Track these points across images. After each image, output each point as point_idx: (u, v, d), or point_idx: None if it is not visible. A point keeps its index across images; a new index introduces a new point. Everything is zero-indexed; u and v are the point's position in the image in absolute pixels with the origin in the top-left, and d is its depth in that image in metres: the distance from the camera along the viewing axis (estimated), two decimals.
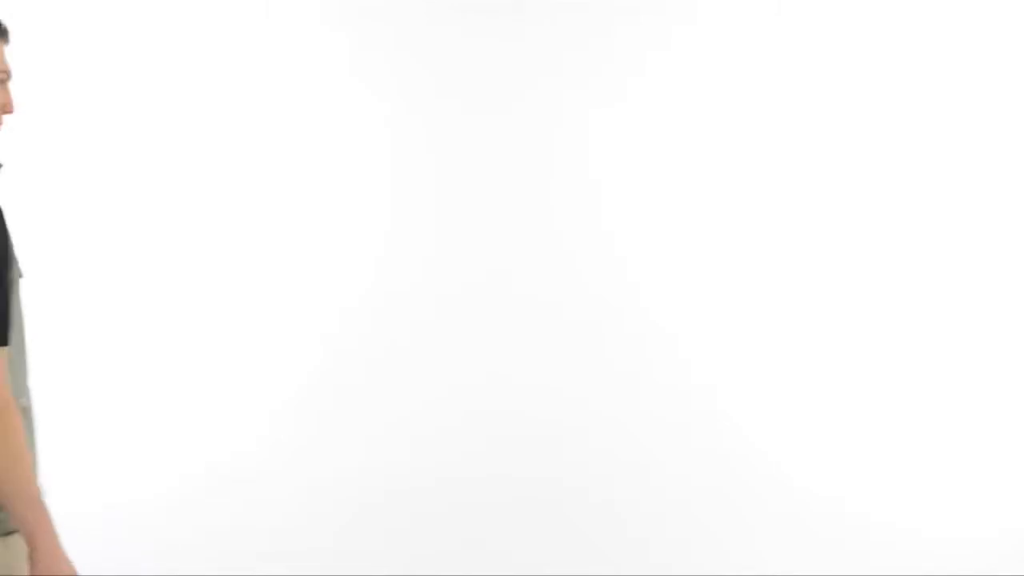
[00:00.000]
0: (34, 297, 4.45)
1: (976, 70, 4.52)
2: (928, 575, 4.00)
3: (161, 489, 4.34)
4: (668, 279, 4.46)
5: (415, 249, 4.55)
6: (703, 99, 4.61)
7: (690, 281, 4.47)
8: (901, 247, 4.52)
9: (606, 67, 4.45)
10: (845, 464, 4.44)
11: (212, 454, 4.44)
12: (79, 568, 3.91)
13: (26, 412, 2.14)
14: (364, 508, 4.26)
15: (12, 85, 2.19)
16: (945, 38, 4.52)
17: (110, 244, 4.52)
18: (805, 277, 4.56)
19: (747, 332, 4.57)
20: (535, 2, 4.54)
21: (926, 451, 4.43)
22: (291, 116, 4.60)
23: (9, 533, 2.10)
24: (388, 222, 4.55)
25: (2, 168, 2.24)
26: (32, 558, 2.05)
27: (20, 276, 2.15)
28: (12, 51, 2.19)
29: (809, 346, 4.55)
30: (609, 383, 4.75)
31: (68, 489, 4.31)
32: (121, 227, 4.53)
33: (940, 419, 4.47)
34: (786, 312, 4.58)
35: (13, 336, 2.09)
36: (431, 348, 4.44)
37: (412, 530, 4.16)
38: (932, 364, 4.51)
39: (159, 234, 4.56)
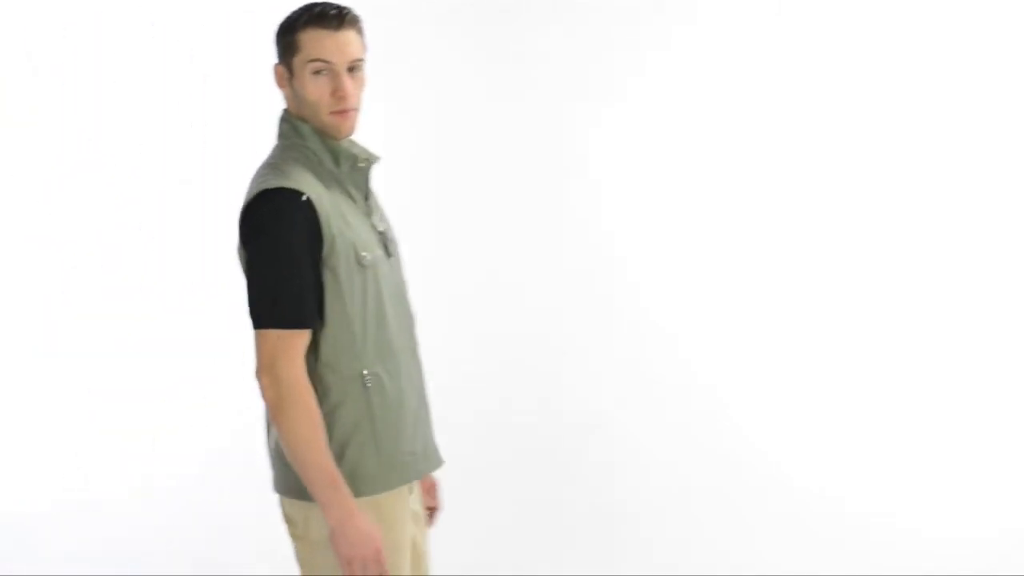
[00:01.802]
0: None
1: (975, 70, 4.52)
2: (928, 575, 4.00)
3: (142, 485, 4.36)
4: (669, 279, 4.46)
5: (415, 249, 4.56)
6: (703, 99, 4.61)
7: (691, 281, 4.48)
8: (899, 249, 4.52)
9: (606, 67, 4.45)
10: (845, 464, 4.44)
11: (197, 452, 4.45)
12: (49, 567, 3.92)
13: (370, 388, 2.25)
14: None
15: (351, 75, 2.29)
16: (945, 38, 4.52)
17: (90, 246, 4.52)
18: (805, 278, 4.57)
19: (748, 333, 4.57)
20: (536, 3, 4.54)
21: (926, 451, 4.43)
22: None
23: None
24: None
25: (378, 160, 2.34)
26: (331, 535, 2.17)
27: (363, 263, 2.24)
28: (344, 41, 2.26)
29: (809, 347, 4.56)
30: (609, 383, 4.75)
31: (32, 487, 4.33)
32: (103, 225, 4.53)
33: (940, 420, 4.48)
34: (787, 313, 4.58)
35: (357, 315, 2.23)
36: (431, 348, 4.44)
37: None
38: (931, 365, 4.51)
39: (162, 234, 4.57)
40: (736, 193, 4.58)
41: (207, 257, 4.57)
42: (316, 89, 2.22)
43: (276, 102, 4.60)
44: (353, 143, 2.30)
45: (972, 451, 4.40)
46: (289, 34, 2.23)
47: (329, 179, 2.26)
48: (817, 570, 3.99)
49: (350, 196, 2.29)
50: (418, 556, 2.44)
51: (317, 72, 2.21)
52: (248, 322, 4.58)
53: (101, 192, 4.51)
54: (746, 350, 4.55)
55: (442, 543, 3.97)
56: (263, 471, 4.41)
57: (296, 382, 2.17)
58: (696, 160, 4.59)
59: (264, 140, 4.59)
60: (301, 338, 2.19)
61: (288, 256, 2.17)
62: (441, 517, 3.96)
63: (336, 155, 2.26)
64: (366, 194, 2.33)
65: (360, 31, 2.26)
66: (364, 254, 2.25)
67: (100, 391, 4.46)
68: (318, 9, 2.21)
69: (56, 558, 4.00)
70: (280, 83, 2.28)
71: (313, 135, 2.26)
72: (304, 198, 2.17)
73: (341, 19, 2.21)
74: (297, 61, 2.23)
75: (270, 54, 4.59)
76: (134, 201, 4.53)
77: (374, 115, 4.61)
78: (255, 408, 4.52)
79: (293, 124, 2.27)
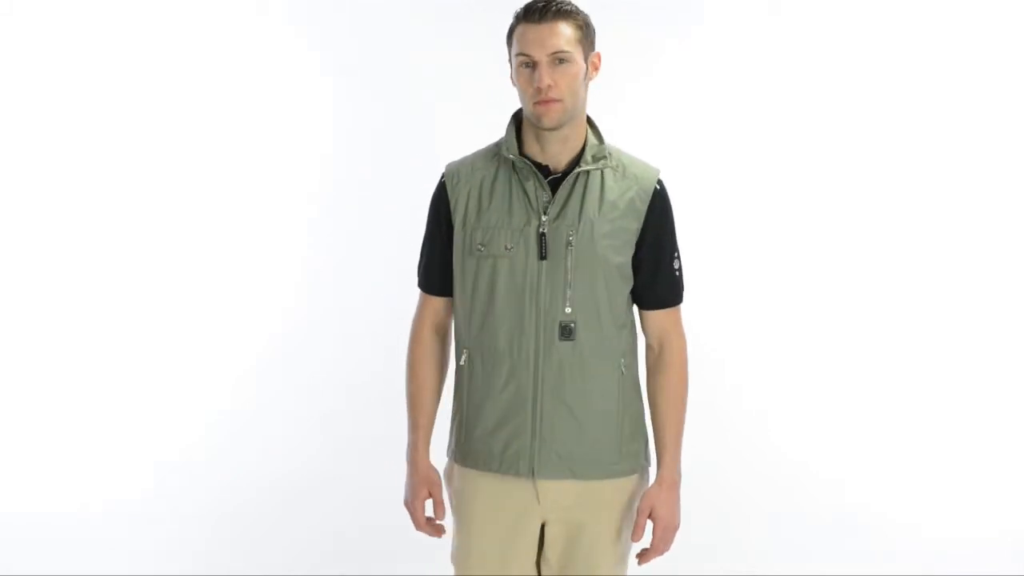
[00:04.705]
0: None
1: (975, 65, 4.53)
2: (928, 575, 4.00)
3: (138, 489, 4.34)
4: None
5: (416, 250, 4.54)
6: (707, 100, 4.61)
7: (705, 284, 4.47)
8: (911, 257, 4.52)
9: (605, 68, 4.44)
10: (845, 465, 4.44)
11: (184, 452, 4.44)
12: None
13: (463, 367, 2.41)
14: (362, 505, 4.26)
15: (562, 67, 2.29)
16: (947, 37, 4.53)
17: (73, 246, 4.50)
18: (807, 284, 4.56)
19: (752, 334, 4.57)
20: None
21: (926, 452, 4.44)
22: (286, 115, 4.59)
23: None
24: (386, 222, 4.55)
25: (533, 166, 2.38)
26: None
27: (472, 251, 2.34)
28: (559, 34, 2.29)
29: (812, 348, 4.56)
30: None
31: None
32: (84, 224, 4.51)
33: (940, 420, 4.48)
34: (789, 314, 4.58)
35: (466, 297, 2.36)
36: None
37: (409, 530, 4.15)
38: (931, 365, 4.52)
39: (150, 232, 4.55)
40: (746, 196, 4.58)
41: (208, 258, 4.55)
42: (523, 81, 2.29)
43: (275, 102, 4.58)
44: (554, 142, 2.33)
45: (972, 451, 4.41)
46: (509, 32, 2.32)
47: (508, 170, 2.36)
48: (817, 569, 3.99)
49: (524, 189, 2.33)
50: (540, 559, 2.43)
51: (524, 65, 2.28)
52: (243, 323, 4.57)
53: (101, 192, 4.49)
54: (750, 351, 4.55)
55: (444, 542, 3.95)
56: (263, 472, 4.40)
57: (412, 336, 2.47)
58: (698, 164, 4.59)
59: (263, 139, 4.57)
60: (425, 299, 2.47)
61: (426, 226, 2.45)
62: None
63: (510, 149, 2.35)
64: (554, 192, 2.33)
65: (574, 23, 2.28)
66: (479, 244, 2.33)
67: (101, 391, 4.45)
68: (527, 4, 2.29)
69: (58, 559, 3.98)
70: (511, 78, 2.36)
71: (510, 126, 2.38)
72: (441, 180, 2.41)
73: (544, 12, 2.26)
74: (512, 56, 2.31)
75: (269, 54, 4.58)
76: (134, 201, 4.52)
77: (371, 112, 4.59)
78: (255, 408, 4.51)
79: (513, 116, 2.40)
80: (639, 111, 4.53)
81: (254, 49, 4.54)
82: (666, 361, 2.44)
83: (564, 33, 2.26)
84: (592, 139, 2.37)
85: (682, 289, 2.44)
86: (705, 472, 4.37)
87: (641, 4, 4.50)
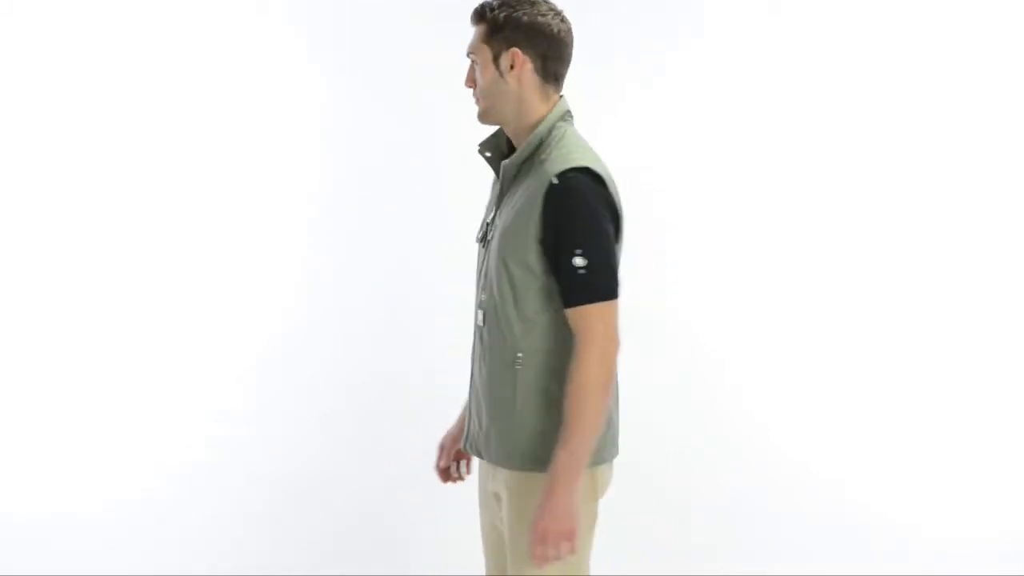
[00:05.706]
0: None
1: (976, 67, 4.53)
2: (928, 575, 4.00)
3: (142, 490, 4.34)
4: (680, 281, 4.44)
5: (415, 250, 4.54)
6: (707, 100, 4.60)
7: (703, 283, 4.46)
8: (911, 258, 4.52)
9: (605, 70, 4.44)
10: (845, 465, 4.44)
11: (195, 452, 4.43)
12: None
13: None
14: (362, 505, 4.26)
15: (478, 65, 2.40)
16: (947, 38, 4.53)
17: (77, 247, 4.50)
18: (807, 279, 4.56)
19: (752, 334, 4.57)
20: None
21: (926, 452, 4.44)
22: (286, 115, 4.59)
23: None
24: (385, 222, 4.55)
25: (485, 156, 2.53)
26: None
27: (478, 240, 2.46)
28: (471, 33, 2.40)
29: (812, 348, 4.56)
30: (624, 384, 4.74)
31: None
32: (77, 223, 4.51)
33: (940, 420, 4.48)
34: (789, 314, 4.58)
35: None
36: (438, 347, 4.43)
37: (408, 530, 4.16)
38: (931, 365, 4.51)
39: (154, 232, 4.55)
40: (746, 196, 4.57)
41: (208, 258, 4.55)
42: None
43: (275, 102, 4.58)
44: (500, 136, 2.46)
45: (972, 451, 4.41)
46: None
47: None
48: (817, 570, 3.99)
49: (500, 183, 2.45)
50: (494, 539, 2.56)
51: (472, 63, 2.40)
52: (243, 323, 4.57)
53: (101, 190, 4.49)
54: (751, 352, 4.54)
55: (446, 543, 3.95)
56: (263, 471, 4.40)
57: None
58: (699, 161, 4.58)
59: (263, 139, 4.57)
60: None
61: None
62: (444, 516, 3.93)
63: (483, 143, 2.47)
64: (508, 184, 2.41)
65: (485, 24, 2.33)
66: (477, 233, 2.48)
67: (100, 392, 4.45)
68: None
69: (56, 559, 3.98)
70: None
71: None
72: None
73: (471, 16, 2.36)
74: None
75: (269, 54, 4.57)
76: (134, 201, 4.51)
77: (370, 111, 4.59)
78: (255, 408, 4.51)
79: None
80: (639, 111, 4.53)
81: (254, 49, 4.53)
82: (573, 360, 2.30)
83: (475, 36, 2.36)
84: (534, 134, 2.35)
85: (590, 290, 2.26)
86: (705, 472, 4.38)
87: (641, 4, 4.50)
